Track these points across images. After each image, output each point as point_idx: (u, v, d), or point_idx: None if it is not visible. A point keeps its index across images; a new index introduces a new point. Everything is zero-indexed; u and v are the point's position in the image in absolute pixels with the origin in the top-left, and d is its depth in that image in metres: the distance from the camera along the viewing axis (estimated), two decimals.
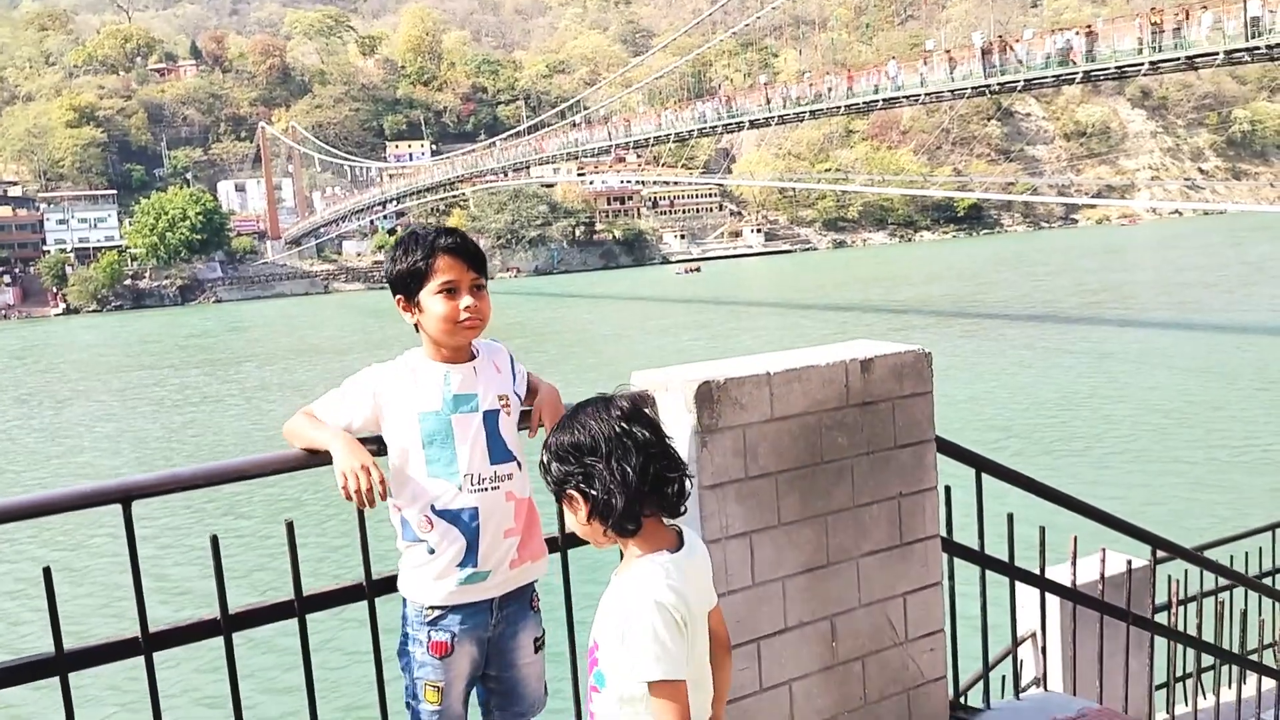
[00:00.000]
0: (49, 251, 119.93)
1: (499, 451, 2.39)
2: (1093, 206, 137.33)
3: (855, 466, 2.93)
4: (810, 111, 53.57)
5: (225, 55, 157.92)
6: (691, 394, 2.66)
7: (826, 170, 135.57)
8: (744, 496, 2.73)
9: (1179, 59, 38.12)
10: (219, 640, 2.28)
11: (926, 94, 48.11)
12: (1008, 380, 31.55)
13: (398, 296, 2.45)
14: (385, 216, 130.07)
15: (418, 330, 2.45)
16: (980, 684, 3.59)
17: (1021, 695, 3.57)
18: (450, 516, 2.33)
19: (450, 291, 2.38)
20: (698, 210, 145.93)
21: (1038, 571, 3.61)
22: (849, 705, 2.95)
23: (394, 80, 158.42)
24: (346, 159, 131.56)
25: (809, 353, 2.99)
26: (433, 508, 2.33)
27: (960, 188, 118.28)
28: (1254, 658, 5.49)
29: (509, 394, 2.47)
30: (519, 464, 2.43)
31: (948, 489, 3.20)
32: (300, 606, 2.36)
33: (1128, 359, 33.99)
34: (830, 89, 52.05)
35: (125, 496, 2.17)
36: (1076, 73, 41.96)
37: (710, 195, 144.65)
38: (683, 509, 2.00)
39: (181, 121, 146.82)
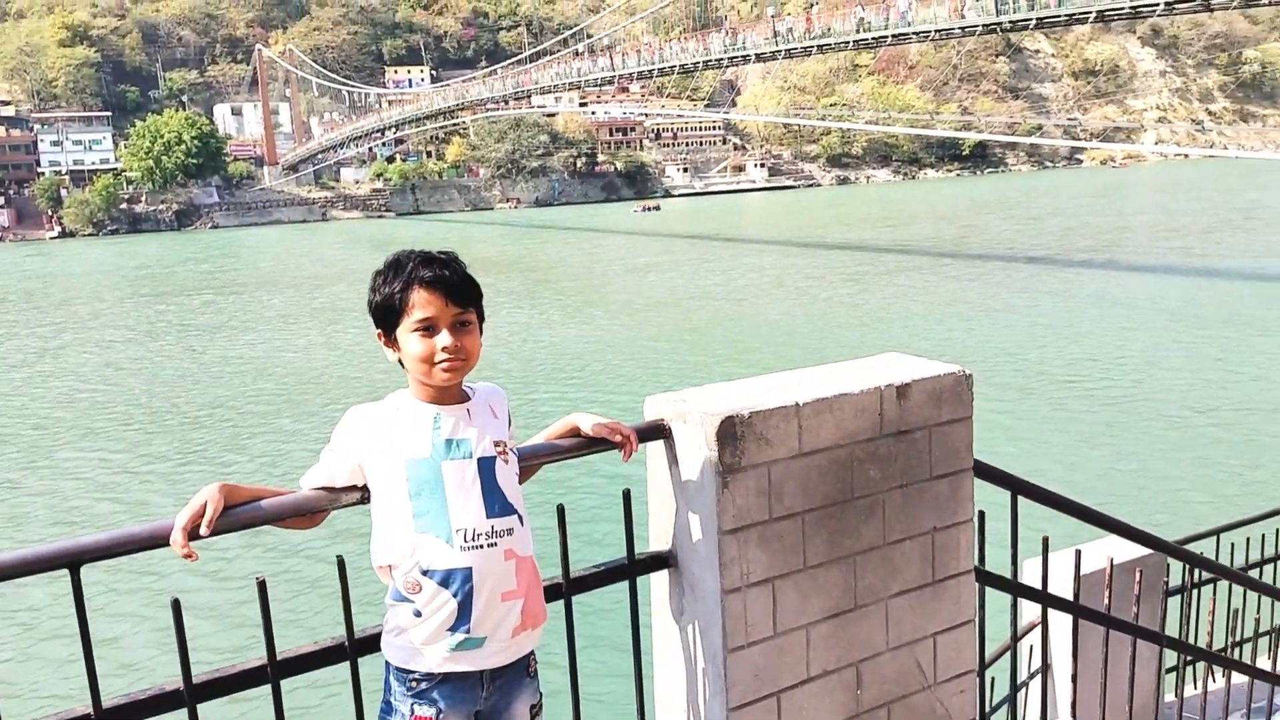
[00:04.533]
0: (43, 174, 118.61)
1: (496, 504, 2.13)
2: (1097, 149, 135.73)
3: (887, 501, 2.67)
4: (818, 46, 52.55)
5: None
6: (713, 429, 2.39)
7: (832, 105, 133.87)
8: (767, 540, 2.48)
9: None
10: (183, 713, 2.04)
11: (937, 30, 47.14)
12: (981, 324, 31.51)
13: (377, 331, 2.19)
14: (384, 144, 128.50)
15: (403, 367, 2.18)
16: (1005, 713, 3.38)
17: None
18: (440, 577, 2.07)
19: (428, 329, 2.12)
20: (701, 143, 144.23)
21: (1071, 597, 3.37)
22: None
23: (393, 3, 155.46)
24: (345, 84, 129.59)
25: (839, 375, 2.72)
26: (420, 567, 2.08)
27: (964, 127, 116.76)
28: (1235, 654, 5.29)
29: (505, 440, 2.20)
30: (520, 518, 2.17)
31: (981, 515, 2.95)
32: (274, 671, 2.12)
33: (1108, 302, 34.05)
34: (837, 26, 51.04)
35: (73, 561, 1.91)
36: (1090, 11, 41.12)
37: (714, 128, 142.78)
38: None
39: (177, 42, 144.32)
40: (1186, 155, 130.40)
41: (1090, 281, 39.64)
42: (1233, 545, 6.11)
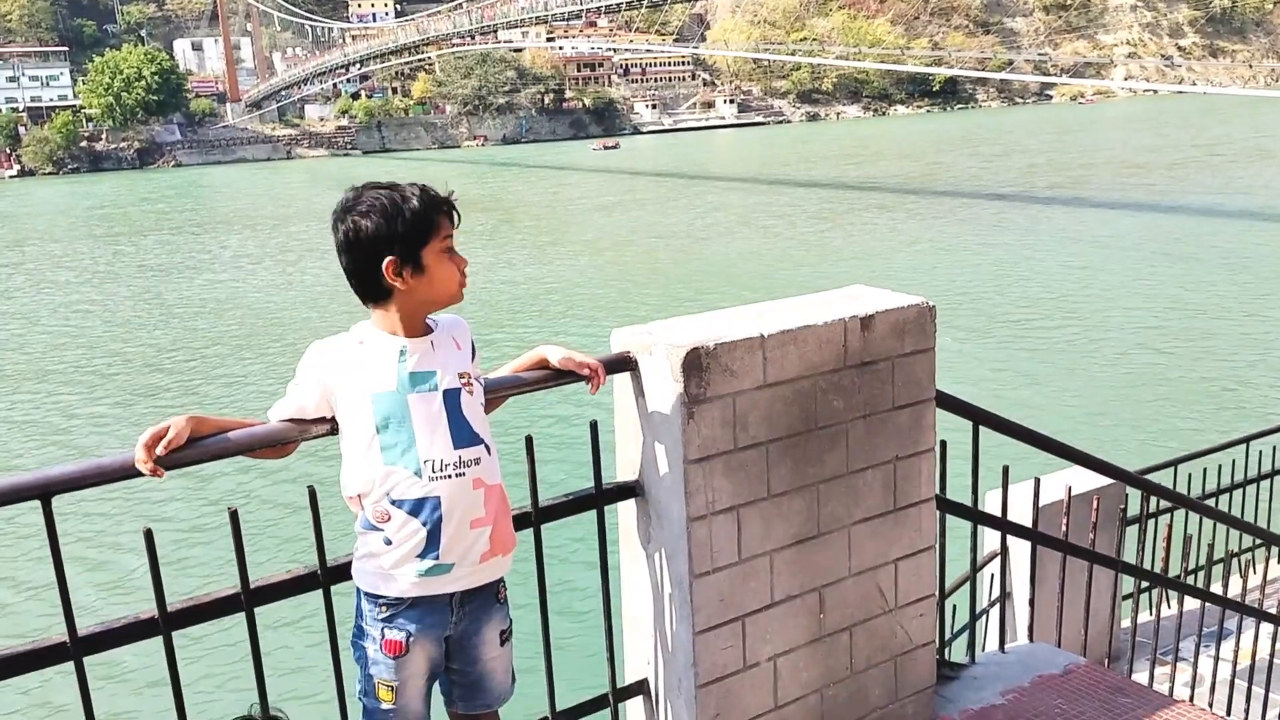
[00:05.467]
0: (0, 111, 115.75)
1: (463, 434, 2.15)
2: (1067, 84, 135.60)
3: (850, 431, 2.72)
4: None
5: None
6: (679, 361, 2.42)
7: (802, 40, 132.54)
8: (732, 470, 2.53)
9: None
10: (158, 640, 2.08)
11: None
12: (945, 261, 31.67)
13: (390, 258, 2.08)
14: (348, 80, 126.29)
15: (384, 300, 2.13)
16: (964, 637, 3.48)
17: (1007, 648, 3.47)
18: (409, 507, 2.10)
19: (450, 251, 2.14)
20: (670, 79, 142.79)
21: (1030, 524, 3.47)
22: (835, 676, 2.82)
23: None
24: (308, 18, 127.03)
25: (804, 307, 2.75)
26: (390, 497, 2.11)
27: (935, 63, 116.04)
28: (1189, 580, 5.46)
29: (470, 372, 2.22)
30: (487, 447, 2.19)
31: (943, 444, 3.01)
32: (248, 599, 2.16)
33: (1071, 239, 34.30)
34: None
35: (44, 492, 1.93)
36: None
37: (683, 64, 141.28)
38: None
39: None
40: (1155, 91, 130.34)
41: (1055, 218, 39.87)
42: (1189, 476, 6.26)
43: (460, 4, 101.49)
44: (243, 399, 20.49)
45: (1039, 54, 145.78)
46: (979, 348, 21.26)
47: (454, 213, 2.17)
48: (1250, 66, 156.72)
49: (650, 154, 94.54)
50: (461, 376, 2.18)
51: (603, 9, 73.56)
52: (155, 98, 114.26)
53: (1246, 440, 6.79)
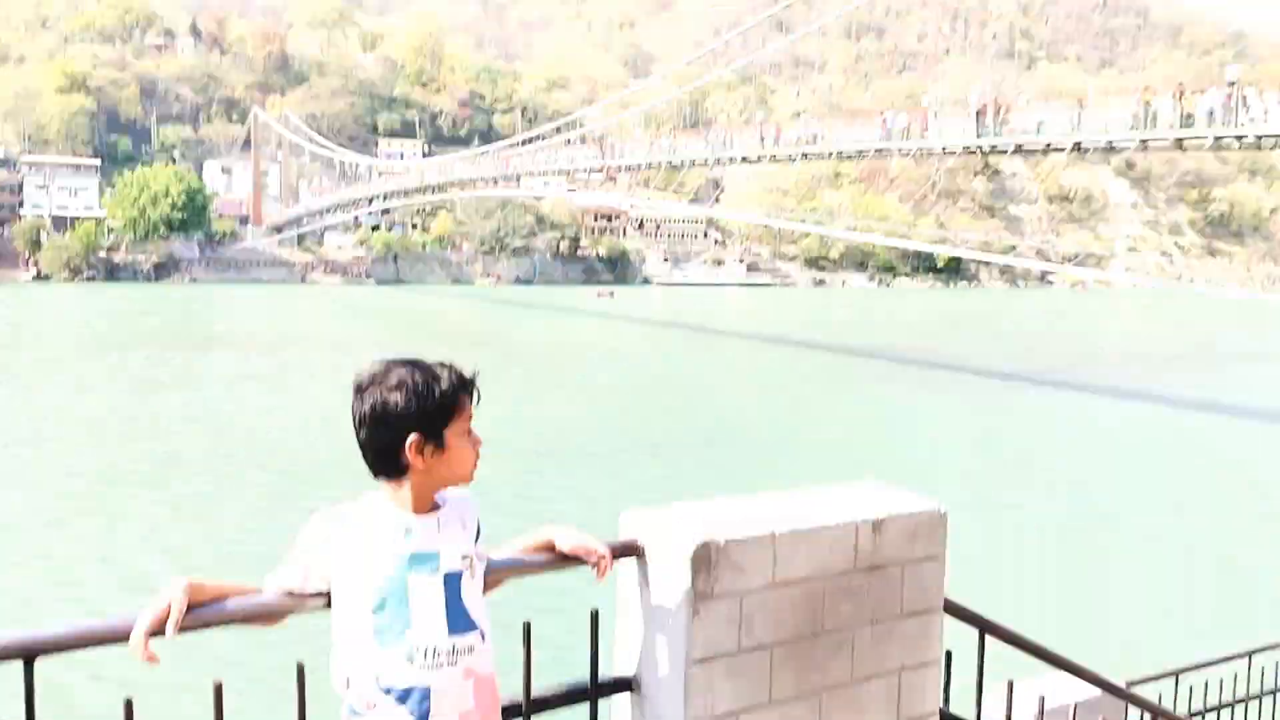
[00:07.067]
0: (25, 216, 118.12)
1: (459, 621, 2.08)
2: (1068, 272, 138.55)
3: (857, 637, 2.65)
4: (803, 154, 53.65)
5: (225, 37, 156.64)
6: (689, 555, 2.37)
7: (813, 210, 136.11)
8: (734, 673, 2.44)
9: (1167, 139, 38.41)
10: None
11: (919, 148, 48.30)
12: (947, 439, 31.64)
13: (414, 437, 2.06)
14: (370, 213, 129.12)
15: (398, 475, 2.10)
16: None
17: None
18: (399, 695, 2.02)
19: (469, 431, 2.15)
20: (683, 235, 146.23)
21: None
22: None
23: (392, 78, 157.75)
24: (337, 152, 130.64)
25: (816, 504, 2.71)
26: (379, 683, 2.02)
27: (940, 242, 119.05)
28: None
29: (472, 555, 2.17)
30: (482, 634, 2.13)
31: (948, 655, 2.93)
32: None
33: (1071, 424, 34.28)
34: (822, 135, 52.34)
35: (28, 653, 1.85)
36: (1067, 144, 42.23)
37: (697, 222, 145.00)
38: None
39: (174, 99, 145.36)
40: (1154, 286, 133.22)
41: (1056, 402, 40.14)
42: (1190, 688, 6.12)
43: (486, 151, 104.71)
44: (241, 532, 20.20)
45: (1042, 240, 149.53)
46: (983, 534, 21.02)
47: (475, 392, 2.17)
48: (1248, 270, 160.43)
49: (657, 305, 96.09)
50: (464, 558, 2.14)
51: (624, 167, 75.78)
52: (179, 215, 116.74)
53: (1249, 655, 6.63)
